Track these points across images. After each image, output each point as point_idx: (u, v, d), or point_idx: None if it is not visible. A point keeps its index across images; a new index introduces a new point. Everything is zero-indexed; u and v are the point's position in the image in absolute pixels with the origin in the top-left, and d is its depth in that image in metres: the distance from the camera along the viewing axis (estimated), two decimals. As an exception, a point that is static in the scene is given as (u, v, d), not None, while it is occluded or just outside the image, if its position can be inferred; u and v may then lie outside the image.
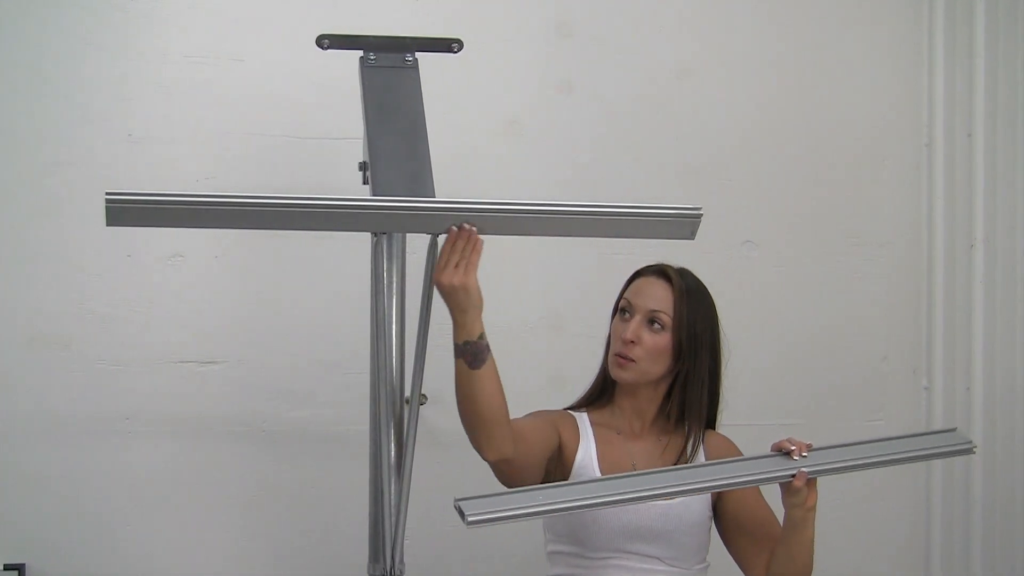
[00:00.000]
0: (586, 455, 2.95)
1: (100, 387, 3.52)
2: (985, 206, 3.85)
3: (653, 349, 2.90)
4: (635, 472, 2.72)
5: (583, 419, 3.00)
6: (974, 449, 2.86)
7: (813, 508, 2.76)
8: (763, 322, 3.90)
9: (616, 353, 2.93)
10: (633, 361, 2.90)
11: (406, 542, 2.61)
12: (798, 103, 3.97)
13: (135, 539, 3.54)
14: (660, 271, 2.97)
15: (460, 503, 2.52)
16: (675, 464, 2.91)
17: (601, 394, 3.05)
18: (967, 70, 3.91)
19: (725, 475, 2.72)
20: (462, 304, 2.61)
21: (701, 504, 2.91)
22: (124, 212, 2.37)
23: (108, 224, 2.37)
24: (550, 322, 3.77)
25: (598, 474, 2.90)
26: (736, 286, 3.82)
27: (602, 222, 2.56)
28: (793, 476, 2.70)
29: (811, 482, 2.73)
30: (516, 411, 3.68)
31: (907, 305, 4.03)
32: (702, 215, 2.56)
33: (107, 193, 2.33)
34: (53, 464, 3.49)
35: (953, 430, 2.90)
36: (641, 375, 2.92)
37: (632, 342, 2.90)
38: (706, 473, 2.72)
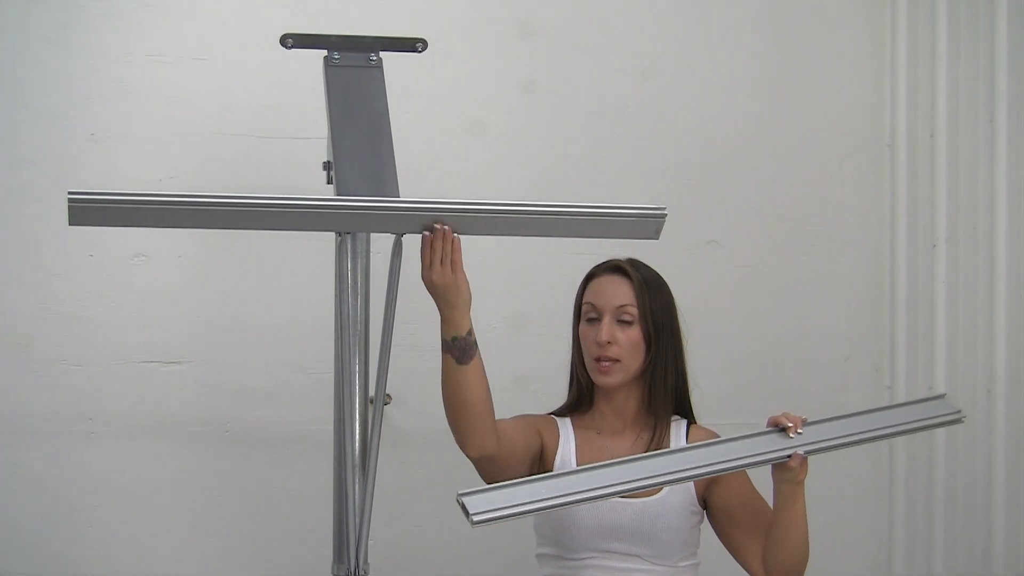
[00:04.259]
0: (566, 453, 2.97)
1: (62, 387, 3.50)
2: (947, 206, 3.86)
3: (628, 344, 2.92)
4: (636, 457, 2.72)
5: (566, 423, 3.03)
6: (963, 419, 2.90)
7: (802, 484, 2.78)
8: (726, 322, 3.91)
9: (596, 358, 2.94)
10: (617, 361, 2.92)
11: (370, 542, 2.60)
12: (761, 104, 3.99)
13: (97, 540, 3.52)
14: (614, 268, 2.99)
15: (463, 499, 2.52)
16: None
17: (580, 401, 3.06)
18: (929, 71, 3.93)
19: (722, 457, 2.72)
20: (452, 300, 2.67)
21: (682, 499, 2.91)
22: (87, 211, 2.36)
23: (71, 223, 2.36)
24: (514, 322, 3.77)
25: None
26: (700, 286, 3.83)
27: (566, 222, 2.56)
28: (788, 457, 2.72)
29: (804, 458, 2.75)
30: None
31: (870, 305, 4.05)
32: (666, 215, 2.56)
33: (69, 192, 2.33)
34: (14, 465, 3.48)
35: (942, 396, 2.94)
36: (625, 374, 2.94)
37: (609, 343, 2.91)
38: (705, 456, 2.73)
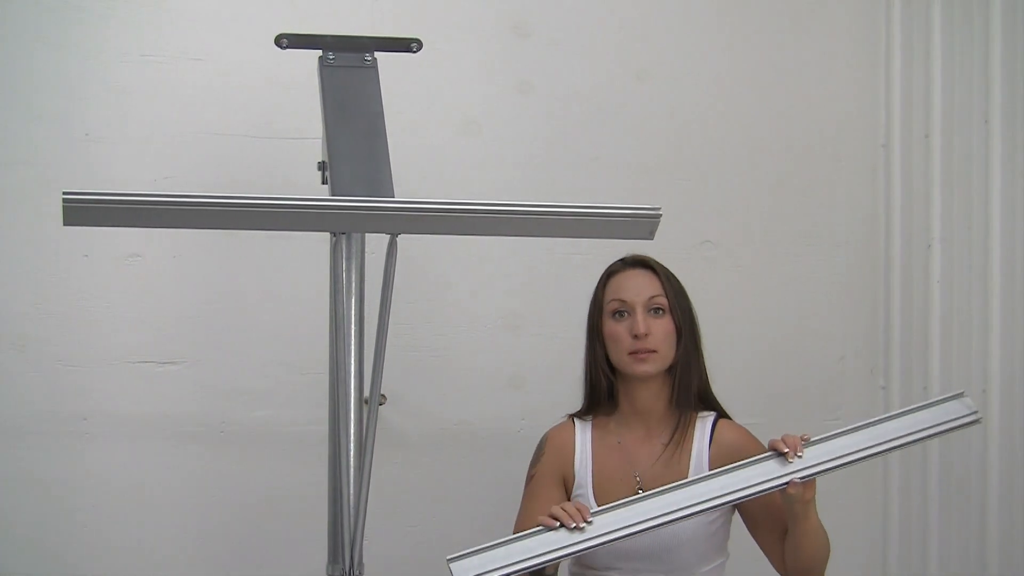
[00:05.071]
0: (583, 469, 2.98)
1: (57, 388, 3.50)
2: (942, 207, 3.86)
3: (663, 334, 2.94)
4: (628, 500, 2.72)
5: (585, 430, 3.03)
6: (980, 419, 2.81)
7: (811, 501, 2.76)
8: (721, 322, 3.89)
9: (632, 352, 2.93)
10: (654, 351, 2.92)
11: (365, 542, 2.60)
12: (756, 104, 3.99)
13: (93, 538, 3.53)
14: (636, 262, 3.02)
15: (451, 564, 2.55)
16: (680, 460, 2.95)
17: (598, 402, 3.05)
18: (924, 71, 3.93)
19: (720, 491, 2.71)
20: None
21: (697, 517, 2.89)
22: (81, 212, 2.36)
23: (65, 224, 2.36)
24: (508, 322, 3.77)
25: (590, 489, 2.94)
26: (694, 286, 3.81)
27: (560, 222, 2.55)
28: (787, 484, 2.71)
29: (808, 481, 2.73)
30: (479, 414, 3.71)
31: (865, 305, 4.05)
32: (661, 215, 2.56)
33: (64, 193, 2.32)
34: (10, 464, 3.48)
35: (960, 395, 2.83)
36: (662, 363, 2.94)
37: (647, 334, 2.91)
38: (702, 492, 2.71)
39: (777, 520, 2.90)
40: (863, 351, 4.05)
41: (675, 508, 2.69)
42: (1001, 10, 3.66)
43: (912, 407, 2.86)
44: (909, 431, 2.80)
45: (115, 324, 3.54)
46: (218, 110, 3.60)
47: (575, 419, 3.06)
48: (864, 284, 4.05)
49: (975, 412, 2.82)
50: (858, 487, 4.02)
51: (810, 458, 2.73)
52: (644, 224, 2.58)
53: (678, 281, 3.02)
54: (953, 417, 2.81)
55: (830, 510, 3.84)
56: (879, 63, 4.06)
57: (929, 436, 2.82)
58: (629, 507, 2.69)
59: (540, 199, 2.57)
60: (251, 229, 2.62)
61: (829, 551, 2.87)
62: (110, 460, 3.53)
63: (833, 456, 2.75)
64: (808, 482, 2.73)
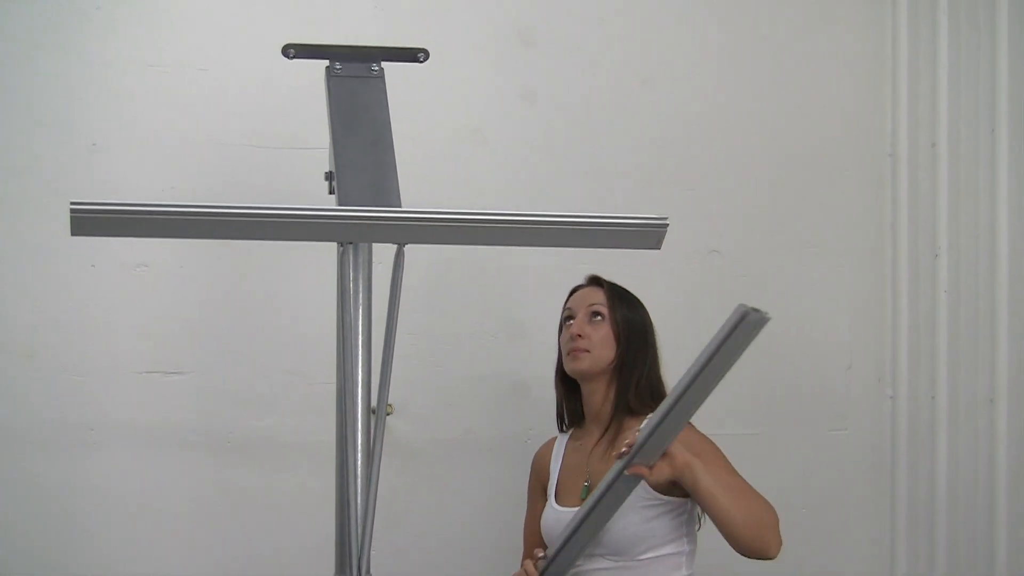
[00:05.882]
0: (553, 473, 3.19)
1: (64, 397, 3.50)
2: (949, 215, 3.86)
3: (598, 337, 3.11)
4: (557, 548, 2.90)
5: (562, 442, 3.23)
6: (768, 317, 2.67)
7: (687, 466, 2.76)
8: (728, 331, 3.90)
9: (568, 352, 3.12)
10: (587, 351, 3.09)
11: (373, 552, 2.60)
12: (761, 112, 3.99)
13: (99, 548, 3.52)
14: (590, 279, 3.22)
15: None
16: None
17: (561, 413, 3.25)
18: (930, 80, 3.93)
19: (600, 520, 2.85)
20: None
21: (631, 498, 2.89)
22: (89, 222, 2.36)
23: (73, 234, 2.36)
24: (512, 330, 3.77)
25: (553, 494, 3.14)
26: (701, 296, 3.84)
27: (567, 232, 2.55)
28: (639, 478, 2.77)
29: (666, 456, 2.74)
30: (485, 423, 3.71)
31: (872, 314, 4.04)
32: (668, 225, 2.55)
33: (72, 203, 2.32)
34: (16, 474, 3.48)
35: (750, 311, 2.66)
36: (595, 362, 3.10)
37: (579, 336, 3.09)
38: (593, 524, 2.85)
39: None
40: (870, 360, 4.04)
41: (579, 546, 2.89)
42: (1008, 19, 3.66)
43: (715, 343, 2.71)
44: (722, 369, 2.76)
45: (122, 333, 3.55)
46: (225, 120, 3.61)
47: (560, 434, 3.25)
48: (871, 293, 4.05)
49: (766, 315, 2.65)
50: (865, 494, 4.01)
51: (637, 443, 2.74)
52: (651, 234, 2.57)
53: (632, 304, 3.17)
54: (751, 330, 2.70)
55: (837, 516, 3.86)
56: (885, 72, 4.06)
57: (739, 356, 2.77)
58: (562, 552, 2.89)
59: (546, 208, 2.58)
60: (258, 239, 2.61)
61: (760, 515, 2.84)
62: (116, 469, 3.53)
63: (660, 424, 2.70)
64: (668, 460, 2.75)
